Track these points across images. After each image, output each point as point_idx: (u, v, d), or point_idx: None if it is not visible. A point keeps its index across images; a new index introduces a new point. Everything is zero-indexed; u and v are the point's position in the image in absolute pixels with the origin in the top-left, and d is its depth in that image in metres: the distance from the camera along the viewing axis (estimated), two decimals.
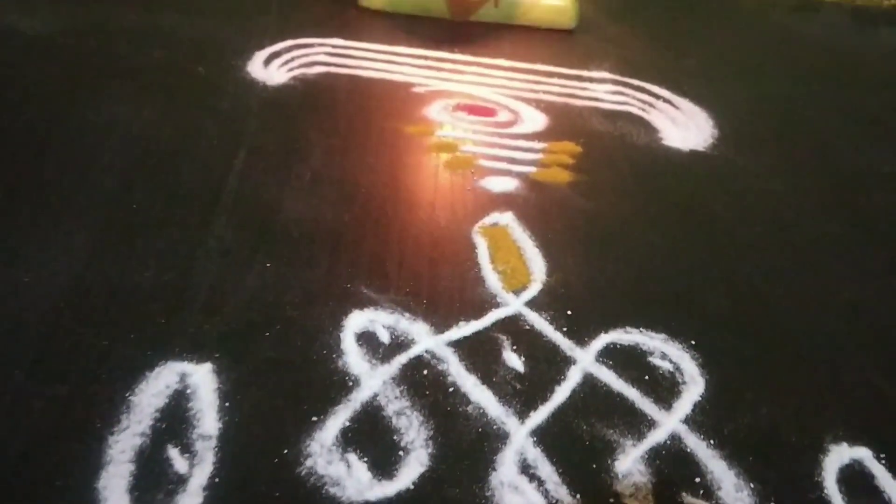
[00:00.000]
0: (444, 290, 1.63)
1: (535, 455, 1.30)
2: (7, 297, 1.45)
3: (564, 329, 1.56)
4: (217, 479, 1.18)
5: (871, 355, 1.62)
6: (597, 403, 1.41)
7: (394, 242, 1.74)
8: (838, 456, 1.38)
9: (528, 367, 1.47)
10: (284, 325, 1.48)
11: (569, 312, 1.61)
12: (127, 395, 1.30)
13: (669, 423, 1.40)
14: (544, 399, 1.41)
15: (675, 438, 1.37)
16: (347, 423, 1.31)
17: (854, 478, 1.35)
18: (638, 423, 1.39)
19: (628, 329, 1.59)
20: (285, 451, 1.24)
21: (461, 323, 1.54)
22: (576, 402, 1.41)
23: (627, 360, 1.51)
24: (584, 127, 2.31)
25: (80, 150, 1.88)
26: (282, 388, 1.36)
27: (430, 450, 1.28)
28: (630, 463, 1.31)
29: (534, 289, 1.66)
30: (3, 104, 2.02)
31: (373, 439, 1.29)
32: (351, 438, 1.28)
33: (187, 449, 1.23)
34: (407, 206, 1.86)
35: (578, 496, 1.24)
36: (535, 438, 1.33)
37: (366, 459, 1.25)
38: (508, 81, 2.49)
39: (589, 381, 1.46)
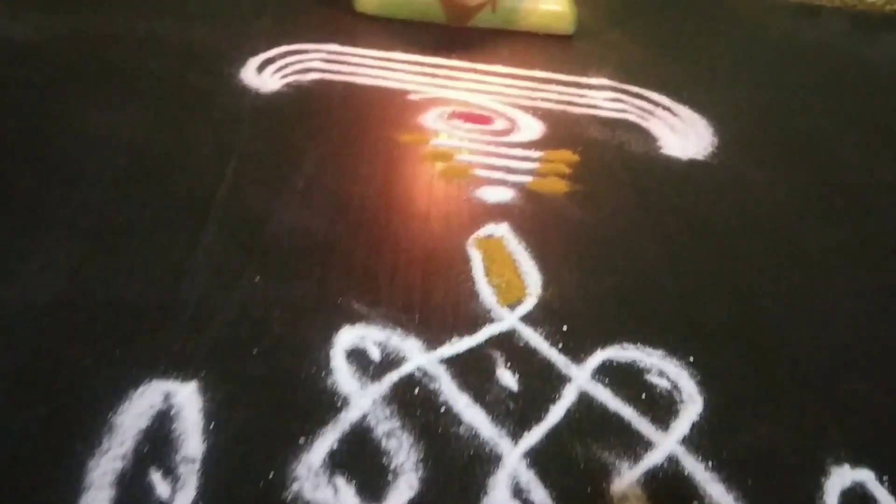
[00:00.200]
0: (438, 304, 1.59)
1: (529, 478, 1.26)
2: None
3: (560, 345, 1.53)
4: None
5: (875, 372, 1.59)
6: (592, 424, 1.38)
7: (387, 255, 1.70)
8: (840, 478, 1.34)
9: (522, 385, 1.43)
10: (273, 341, 1.45)
11: (564, 328, 1.57)
12: (109, 415, 1.26)
13: (666, 444, 1.36)
14: (538, 419, 1.37)
15: (672, 460, 1.33)
16: (336, 445, 1.27)
17: (856, 502, 1.31)
18: (634, 445, 1.35)
19: (625, 345, 1.55)
20: (271, 474, 1.21)
21: (454, 339, 1.51)
22: (570, 422, 1.37)
23: (624, 378, 1.48)
24: (582, 135, 2.27)
25: (66, 160, 1.85)
26: (269, 407, 1.32)
27: (420, 473, 1.24)
28: (626, 486, 1.28)
29: (529, 303, 1.62)
30: None
31: (361, 462, 1.25)
32: (339, 461, 1.24)
33: (170, 472, 1.19)
34: (401, 217, 1.83)
35: None
36: (528, 461, 1.29)
37: (354, 483, 1.21)
38: (505, 88, 2.46)
39: (584, 400, 1.42)
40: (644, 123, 2.36)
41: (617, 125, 2.34)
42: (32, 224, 1.64)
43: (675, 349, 1.55)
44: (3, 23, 2.39)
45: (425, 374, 1.42)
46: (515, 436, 1.33)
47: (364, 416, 1.33)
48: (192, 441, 1.25)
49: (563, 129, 2.28)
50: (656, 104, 2.49)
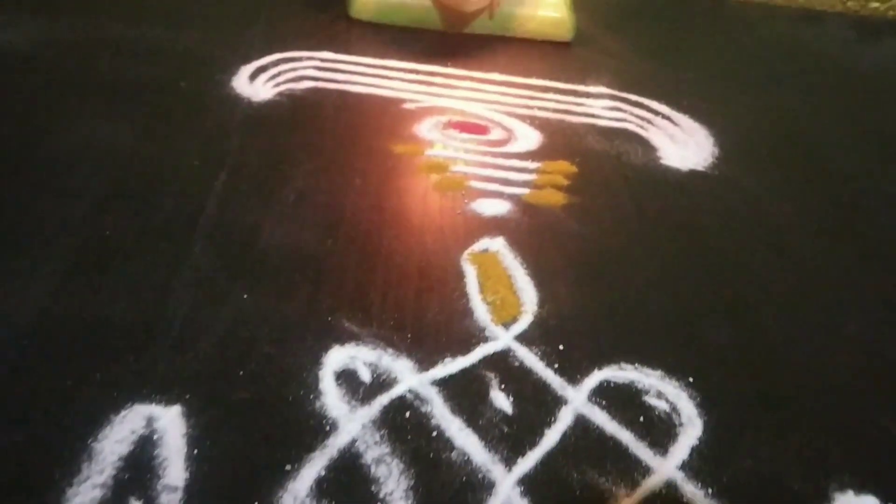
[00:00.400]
0: (430, 322, 1.55)
1: None
2: None
3: (556, 366, 1.49)
4: None
5: (881, 394, 1.54)
6: (588, 448, 1.34)
7: (379, 271, 1.66)
8: None
9: (516, 408, 1.39)
10: (260, 362, 1.41)
11: (561, 347, 1.53)
12: (89, 441, 1.23)
13: (665, 469, 1.32)
14: (533, 444, 1.33)
15: (671, 487, 1.29)
16: (323, 473, 1.23)
17: None
18: (632, 471, 1.31)
19: (623, 365, 1.51)
20: None
21: (447, 359, 1.47)
22: (566, 446, 1.33)
23: (622, 400, 1.44)
24: (580, 145, 2.23)
25: (52, 172, 1.81)
26: (254, 432, 1.28)
27: (409, 502, 1.20)
28: None
29: (524, 321, 1.58)
30: None
31: (350, 490, 1.21)
32: (326, 489, 1.20)
33: (151, 501, 1.15)
34: (394, 231, 1.79)
35: None
36: (522, 488, 1.25)
37: None
38: (502, 97, 2.42)
39: (581, 424, 1.38)
40: (643, 133, 2.32)
41: (616, 135, 2.30)
42: (14, 240, 1.60)
43: (674, 369, 1.51)
44: None
45: (417, 396, 1.38)
46: (509, 462, 1.29)
47: (353, 442, 1.29)
48: (174, 468, 1.21)
49: (560, 139, 2.24)
50: (656, 113, 2.45)
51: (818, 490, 1.33)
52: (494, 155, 2.11)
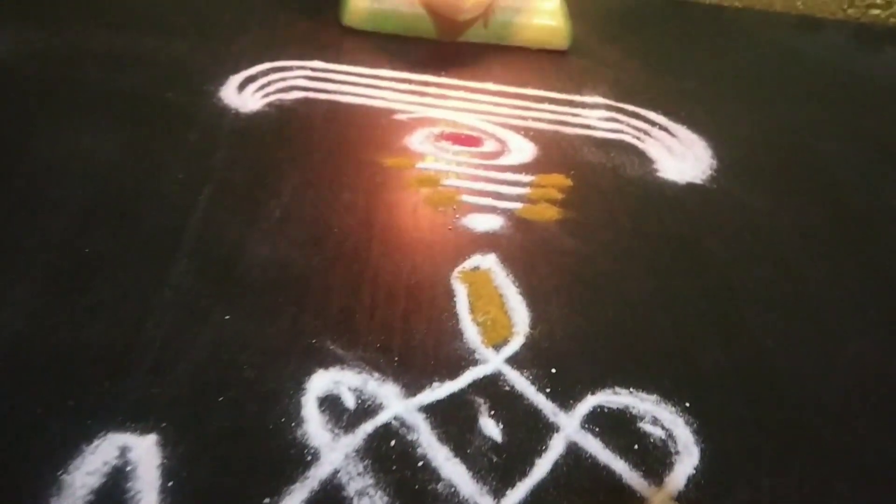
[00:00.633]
0: (418, 345, 1.50)
1: None
2: None
3: (548, 390, 1.44)
4: None
5: (885, 419, 1.49)
6: (581, 478, 1.29)
7: (366, 290, 1.61)
8: None
9: (506, 435, 1.34)
10: (240, 388, 1.36)
11: (553, 370, 1.48)
12: (59, 473, 1.18)
13: (661, 500, 1.27)
14: (523, 474, 1.28)
15: None
16: None
17: None
18: (626, 502, 1.26)
19: (617, 389, 1.46)
20: None
21: (435, 384, 1.42)
22: (558, 476, 1.28)
23: (616, 427, 1.39)
24: (575, 157, 2.18)
25: (31, 186, 1.76)
26: (232, 463, 1.23)
27: None
28: None
29: (516, 343, 1.53)
30: None
31: None
32: None
33: None
34: (382, 248, 1.74)
35: None
36: None
37: None
38: (496, 107, 2.37)
39: (573, 452, 1.33)
40: (640, 145, 2.27)
41: (612, 146, 2.24)
42: None
43: (669, 393, 1.47)
44: None
45: (403, 423, 1.33)
46: (497, 493, 1.24)
47: (335, 473, 1.24)
48: (147, 502, 1.15)
49: (555, 151, 2.19)
50: (653, 124, 2.40)
51: None
52: (487, 168, 2.06)
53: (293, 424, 1.30)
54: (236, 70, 2.36)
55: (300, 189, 1.88)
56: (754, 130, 2.45)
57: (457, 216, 1.87)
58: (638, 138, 2.30)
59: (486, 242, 1.79)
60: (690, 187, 2.10)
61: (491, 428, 1.35)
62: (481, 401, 1.40)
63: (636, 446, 1.36)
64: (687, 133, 2.36)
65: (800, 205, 2.09)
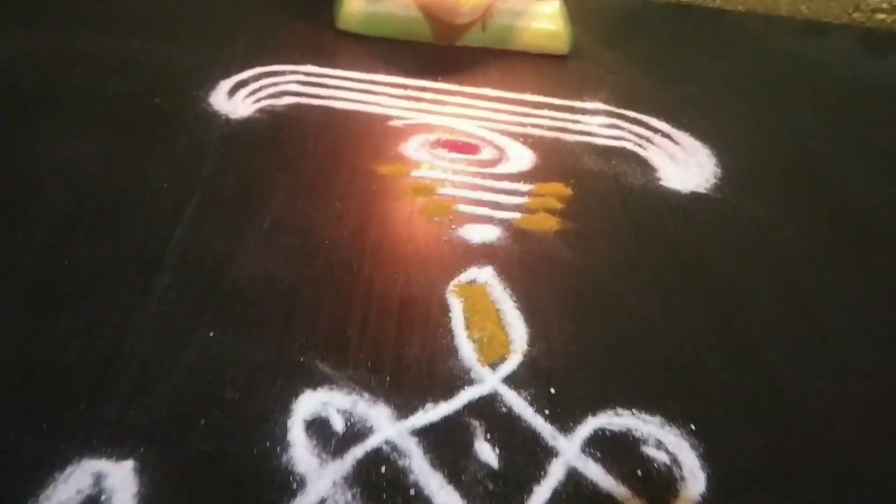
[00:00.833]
0: (412, 363, 1.44)
1: None
2: None
3: (546, 412, 1.37)
4: None
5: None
6: None
7: (357, 305, 1.55)
8: None
9: (502, 461, 1.28)
10: (223, 410, 1.29)
11: (552, 390, 1.41)
12: (29, 503, 1.11)
13: None
14: (520, 502, 1.22)
15: None
16: None
17: None
18: None
19: (619, 411, 1.40)
20: None
21: (428, 405, 1.35)
22: None
23: (618, 451, 1.32)
24: (575, 165, 2.11)
25: (9, 195, 1.70)
26: (214, 491, 1.17)
27: None
28: None
29: (513, 361, 1.47)
30: None
31: None
32: None
33: None
34: (375, 260, 1.67)
35: None
36: None
37: None
38: (494, 114, 2.30)
39: (573, 478, 1.27)
40: (642, 152, 2.20)
41: (613, 154, 2.18)
42: None
43: (674, 415, 1.40)
44: None
45: (394, 448, 1.27)
46: None
47: (322, 501, 1.18)
48: None
49: (555, 159, 2.12)
50: (655, 130, 2.33)
51: None
52: (484, 176, 2.00)
53: (279, 449, 1.24)
54: (227, 74, 2.29)
55: (291, 198, 1.82)
56: (759, 137, 2.39)
57: (453, 227, 1.80)
58: (640, 145, 2.24)
59: (482, 254, 1.73)
60: (694, 196, 2.04)
61: (487, 453, 1.28)
62: (477, 423, 1.33)
63: (639, 472, 1.29)
64: (690, 140, 2.30)
65: (806, 214, 2.03)
